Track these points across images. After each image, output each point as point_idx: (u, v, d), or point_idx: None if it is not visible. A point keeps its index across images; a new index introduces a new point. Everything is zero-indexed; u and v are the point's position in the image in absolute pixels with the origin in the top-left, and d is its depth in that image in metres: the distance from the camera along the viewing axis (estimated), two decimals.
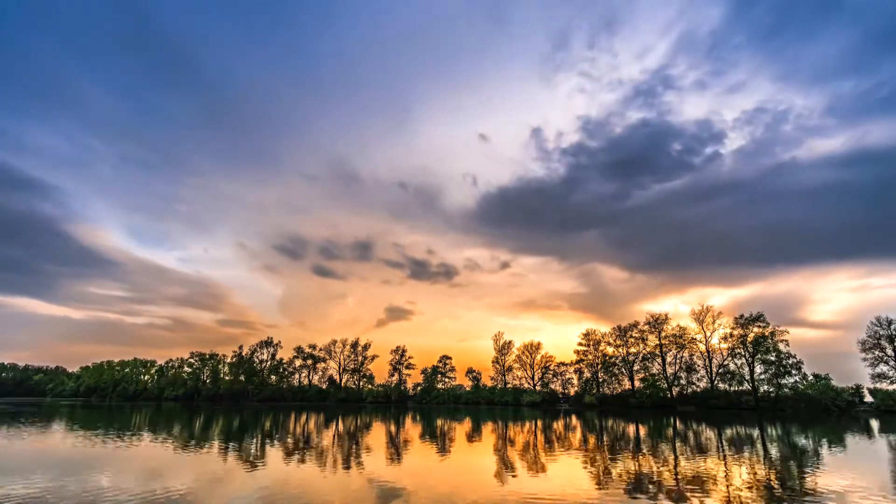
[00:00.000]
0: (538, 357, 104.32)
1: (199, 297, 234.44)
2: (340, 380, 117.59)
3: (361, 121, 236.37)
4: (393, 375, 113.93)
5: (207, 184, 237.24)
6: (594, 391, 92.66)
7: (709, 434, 32.58)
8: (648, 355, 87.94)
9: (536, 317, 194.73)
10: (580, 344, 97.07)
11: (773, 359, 73.87)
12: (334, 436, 29.11)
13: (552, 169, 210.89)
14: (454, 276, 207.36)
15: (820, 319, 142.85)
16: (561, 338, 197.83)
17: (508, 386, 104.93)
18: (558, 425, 41.48)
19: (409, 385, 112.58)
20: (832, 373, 72.25)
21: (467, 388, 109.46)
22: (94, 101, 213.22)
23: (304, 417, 49.93)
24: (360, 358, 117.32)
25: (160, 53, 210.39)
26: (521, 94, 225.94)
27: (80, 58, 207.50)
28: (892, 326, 67.66)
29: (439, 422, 44.95)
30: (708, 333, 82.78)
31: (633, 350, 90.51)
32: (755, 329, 77.27)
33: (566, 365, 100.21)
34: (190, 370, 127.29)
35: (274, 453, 20.09)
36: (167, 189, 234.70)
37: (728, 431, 34.38)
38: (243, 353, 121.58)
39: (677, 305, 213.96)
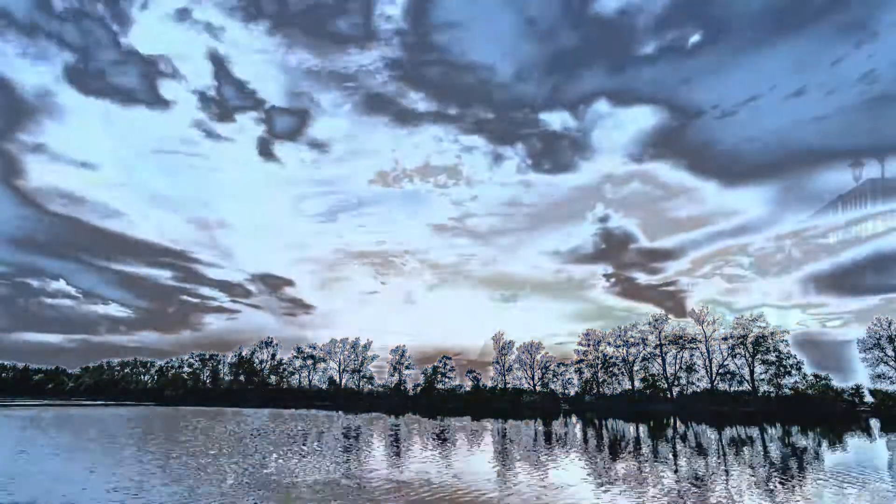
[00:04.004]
0: (538, 357, 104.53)
1: None
2: (340, 380, 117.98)
3: None
4: (393, 375, 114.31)
5: None
6: (594, 391, 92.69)
7: (709, 434, 32.57)
8: (648, 355, 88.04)
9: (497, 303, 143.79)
10: (580, 344, 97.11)
11: (773, 359, 73.96)
12: (333, 436, 29.10)
13: None
14: None
15: None
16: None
17: (508, 386, 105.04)
18: (558, 425, 41.48)
19: (409, 385, 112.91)
20: None
21: (467, 388, 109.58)
22: None
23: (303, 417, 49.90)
24: (360, 358, 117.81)
25: None
26: None
27: None
28: (892, 326, 67.69)
29: (440, 421, 44.93)
30: (708, 333, 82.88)
31: (633, 350, 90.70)
32: (755, 329, 77.43)
33: (566, 365, 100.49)
34: (190, 370, 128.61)
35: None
36: None
37: (728, 431, 34.37)
38: (243, 353, 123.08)
39: None
